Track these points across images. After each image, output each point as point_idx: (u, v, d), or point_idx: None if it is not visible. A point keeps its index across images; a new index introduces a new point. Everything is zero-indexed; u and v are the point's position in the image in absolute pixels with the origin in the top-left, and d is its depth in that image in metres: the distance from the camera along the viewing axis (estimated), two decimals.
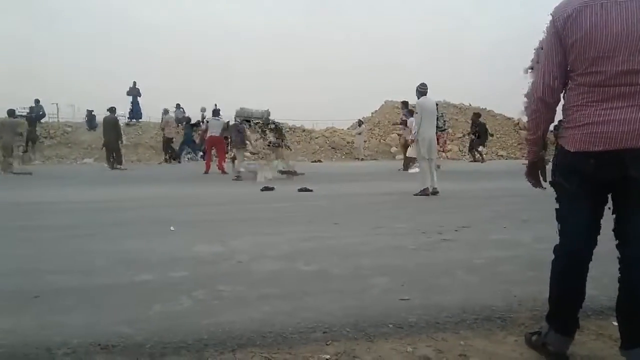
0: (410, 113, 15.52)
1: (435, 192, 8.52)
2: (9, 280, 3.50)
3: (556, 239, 2.27)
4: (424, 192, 8.37)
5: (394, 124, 23.11)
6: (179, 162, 19.12)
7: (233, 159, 13.48)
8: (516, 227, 5.53)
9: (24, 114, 20.14)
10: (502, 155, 25.35)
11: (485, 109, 29.27)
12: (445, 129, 16.72)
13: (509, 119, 28.74)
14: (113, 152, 16.06)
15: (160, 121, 20.82)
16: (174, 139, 19.64)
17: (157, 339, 2.49)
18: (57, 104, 26.13)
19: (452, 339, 2.52)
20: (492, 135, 21.00)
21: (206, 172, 13.93)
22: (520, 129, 27.93)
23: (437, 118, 15.79)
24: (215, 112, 14.85)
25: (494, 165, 18.51)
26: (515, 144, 26.89)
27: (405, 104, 16.51)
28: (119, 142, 16.16)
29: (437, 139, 15.86)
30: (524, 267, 3.85)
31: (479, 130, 19.74)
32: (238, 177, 12.06)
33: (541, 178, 2.46)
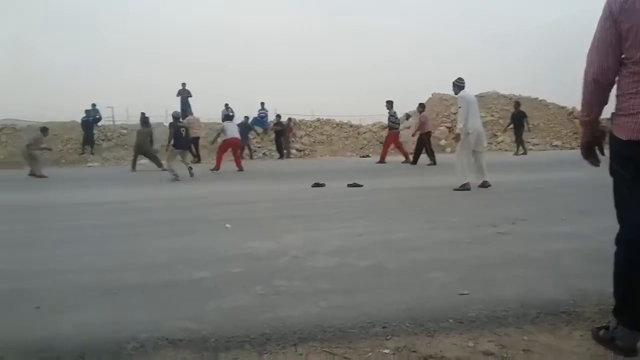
0: (422, 107, 16.04)
1: (486, 185, 8.37)
2: (76, 278, 3.66)
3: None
4: (465, 187, 8.14)
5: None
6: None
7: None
8: (575, 219, 5.37)
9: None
10: (556, 145, 24.54)
11: (537, 98, 28.37)
12: (396, 128, 16.64)
13: (563, 107, 27.76)
14: (147, 157, 16.38)
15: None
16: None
17: (220, 333, 2.55)
18: (112, 108, 27.14)
19: (515, 334, 2.48)
20: (528, 124, 19.93)
21: (216, 169, 14.13)
22: (575, 118, 26.97)
23: (390, 116, 15.94)
24: (229, 117, 15.65)
25: (547, 156, 17.94)
26: (570, 134, 25.96)
27: (389, 103, 16.56)
28: (153, 148, 16.53)
29: (393, 138, 16.00)
30: (587, 260, 3.73)
31: (522, 119, 19.11)
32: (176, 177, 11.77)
33: (598, 153, 2.37)
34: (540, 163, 14.80)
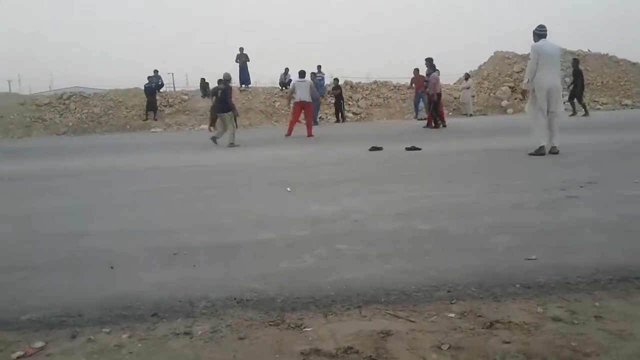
0: (432, 68, 15.40)
1: (554, 152, 7.58)
2: (148, 239, 3.83)
3: None
4: (539, 152, 7.48)
5: (408, 88, 22.03)
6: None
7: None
8: None
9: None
10: (626, 105, 23.20)
11: (607, 54, 26.72)
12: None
13: (634, 64, 26.05)
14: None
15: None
16: None
17: (287, 294, 2.62)
18: (172, 74, 27.77)
19: (586, 300, 2.41)
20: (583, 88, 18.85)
21: (288, 135, 13.84)
22: None
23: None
24: (301, 74, 14.58)
25: (615, 116, 16.99)
26: None
27: (429, 60, 15.86)
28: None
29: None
30: None
31: (577, 78, 18.04)
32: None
33: None
34: (613, 123, 14.07)
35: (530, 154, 7.55)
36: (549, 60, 7.59)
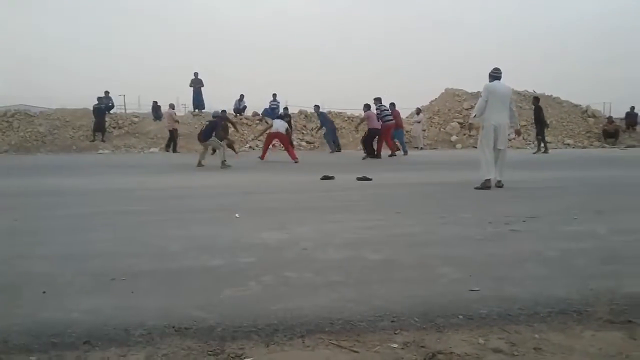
0: (367, 107, 16.72)
1: (499, 185, 7.92)
2: (88, 263, 3.67)
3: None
4: (485, 185, 7.76)
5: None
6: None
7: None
8: (589, 218, 5.29)
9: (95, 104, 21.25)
10: (568, 144, 24.33)
11: (551, 95, 28.12)
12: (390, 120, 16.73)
13: (577, 106, 27.51)
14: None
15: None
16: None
17: (228, 322, 2.55)
18: (124, 96, 27.27)
19: (526, 332, 2.45)
20: (547, 124, 19.75)
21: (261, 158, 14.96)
22: (589, 117, 26.70)
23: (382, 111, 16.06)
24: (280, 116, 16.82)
25: (559, 155, 17.75)
26: (583, 132, 25.75)
27: (378, 100, 16.97)
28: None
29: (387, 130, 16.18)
30: (600, 260, 3.69)
31: (537, 116, 18.76)
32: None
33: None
34: (557, 161, 14.67)
35: (477, 188, 7.79)
36: (499, 99, 7.97)
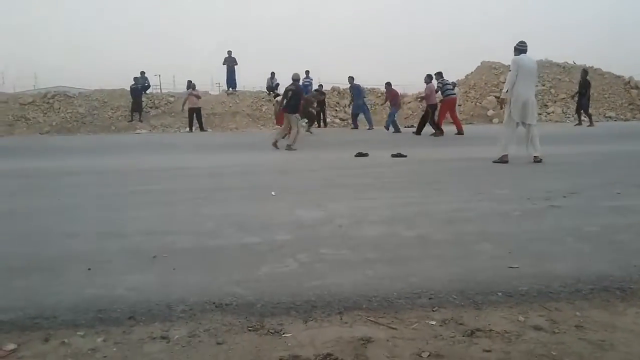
0: (430, 78, 15.60)
1: (537, 160, 7.74)
2: (130, 240, 3.77)
3: None
4: (502, 160, 7.73)
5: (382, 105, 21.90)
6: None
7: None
8: (632, 193, 5.14)
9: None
10: (610, 117, 23.52)
11: (592, 66, 27.08)
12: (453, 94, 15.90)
13: (619, 77, 26.44)
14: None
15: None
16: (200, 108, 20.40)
17: (267, 299, 2.59)
18: (159, 76, 27.61)
19: (567, 309, 2.41)
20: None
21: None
22: (632, 88, 25.68)
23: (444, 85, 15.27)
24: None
25: (601, 128, 17.19)
26: (626, 104, 24.78)
27: (438, 74, 15.98)
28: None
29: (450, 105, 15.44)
30: None
31: (586, 89, 18.09)
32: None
33: None
34: (598, 135, 14.23)
35: (495, 162, 7.79)
36: (527, 74, 7.87)
